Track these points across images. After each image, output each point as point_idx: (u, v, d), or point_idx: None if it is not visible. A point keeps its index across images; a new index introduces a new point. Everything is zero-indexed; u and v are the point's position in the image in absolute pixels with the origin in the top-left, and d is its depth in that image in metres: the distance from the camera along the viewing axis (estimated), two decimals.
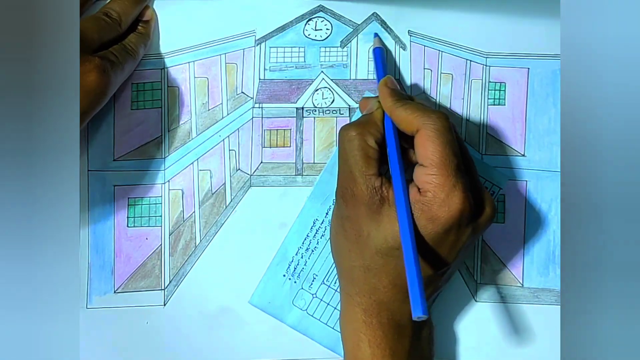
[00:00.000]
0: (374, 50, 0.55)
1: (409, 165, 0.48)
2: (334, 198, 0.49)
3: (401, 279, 0.46)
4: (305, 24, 0.56)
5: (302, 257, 0.55)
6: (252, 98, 0.56)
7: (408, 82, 0.56)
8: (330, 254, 0.54)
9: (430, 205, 0.44)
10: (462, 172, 0.45)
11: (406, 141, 0.48)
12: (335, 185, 0.53)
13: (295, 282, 0.54)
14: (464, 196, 0.44)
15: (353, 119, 0.54)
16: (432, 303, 0.53)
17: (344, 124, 0.49)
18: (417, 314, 0.40)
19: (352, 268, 0.47)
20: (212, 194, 0.56)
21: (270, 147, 0.56)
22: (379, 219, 0.45)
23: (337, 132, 0.56)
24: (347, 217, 0.47)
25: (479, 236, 0.49)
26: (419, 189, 0.45)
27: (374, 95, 0.54)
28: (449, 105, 0.56)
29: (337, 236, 0.49)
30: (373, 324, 0.46)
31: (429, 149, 0.44)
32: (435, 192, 0.44)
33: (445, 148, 0.44)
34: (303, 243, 0.55)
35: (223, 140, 0.56)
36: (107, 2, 0.53)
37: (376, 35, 0.56)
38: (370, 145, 0.47)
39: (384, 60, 0.54)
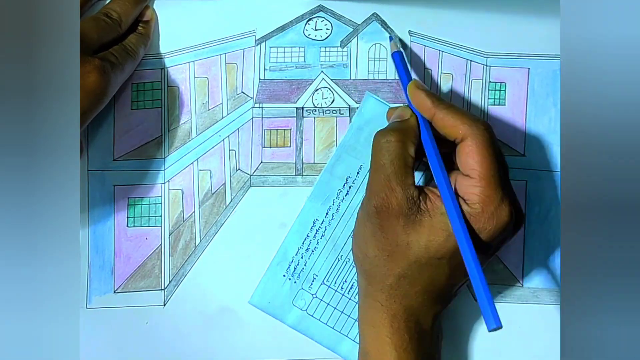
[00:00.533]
0: (393, 55, 0.54)
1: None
2: (337, 195, 0.49)
3: (433, 286, 0.46)
4: (306, 24, 0.56)
5: (302, 257, 0.54)
6: (252, 98, 0.56)
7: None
8: (330, 254, 0.54)
9: (479, 217, 0.44)
10: (508, 184, 0.46)
11: (441, 144, 0.48)
12: (336, 186, 0.53)
13: (295, 282, 0.54)
14: (511, 210, 0.45)
15: (355, 120, 0.54)
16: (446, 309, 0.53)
17: (380, 129, 0.48)
18: (492, 327, 0.40)
19: (385, 276, 0.47)
20: (212, 194, 0.56)
21: (270, 147, 0.56)
22: (420, 230, 0.45)
23: (338, 130, 0.56)
24: (381, 226, 0.46)
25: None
26: (464, 199, 0.45)
27: (375, 98, 0.54)
28: None
29: (367, 245, 0.48)
30: (400, 329, 0.46)
31: (477, 160, 0.44)
32: (484, 204, 0.44)
33: (493, 161, 0.44)
34: (303, 243, 0.55)
35: (223, 140, 0.56)
36: (107, 2, 0.53)
37: (391, 39, 0.56)
38: (410, 154, 0.47)
39: (405, 63, 0.53)
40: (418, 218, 0.45)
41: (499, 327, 0.40)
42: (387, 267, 0.47)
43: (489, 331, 0.40)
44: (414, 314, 0.47)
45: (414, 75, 0.56)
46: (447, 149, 0.48)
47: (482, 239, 0.45)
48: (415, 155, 0.47)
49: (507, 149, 0.56)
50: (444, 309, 0.49)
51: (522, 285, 0.56)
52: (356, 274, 0.53)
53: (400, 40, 0.56)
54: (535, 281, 0.56)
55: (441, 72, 0.56)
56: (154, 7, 0.55)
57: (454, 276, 0.46)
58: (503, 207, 0.44)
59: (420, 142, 0.48)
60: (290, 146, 0.56)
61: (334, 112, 0.56)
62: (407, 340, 0.46)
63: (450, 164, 0.48)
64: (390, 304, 0.47)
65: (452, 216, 0.44)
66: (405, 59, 0.54)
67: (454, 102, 0.56)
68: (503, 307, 0.56)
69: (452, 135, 0.46)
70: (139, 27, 0.54)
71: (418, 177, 0.54)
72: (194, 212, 0.56)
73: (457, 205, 0.44)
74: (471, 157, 0.45)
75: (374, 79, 0.56)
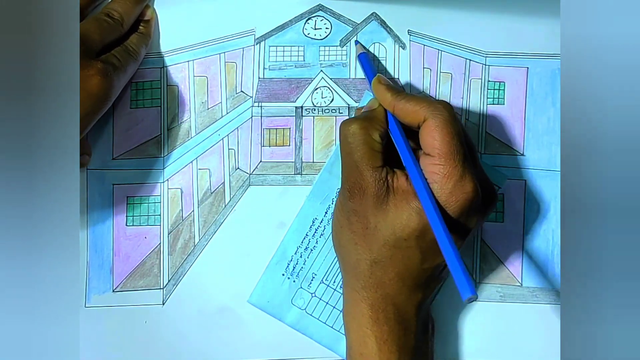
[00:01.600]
0: (359, 56, 0.55)
1: None
2: (336, 194, 0.49)
3: (408, 271, 0.46)
4: (305, 23, 0.56)
5: (301, 257, 0.55)
6: (252, 97, 0.56)
7: (407, 81, 0.56)
8: (329, 253, 0.54)
9: (440, 195, 0.44)
10: (470, 162, 0.45)
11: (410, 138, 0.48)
12: (335, 185, 0.53)
13: (294, 281, 0.54)
14: (473, 185, 0.44)
15: None
16: (435, 296, 0.53)
17: (345, 119, 0.49)
18: (467, 295, 0.39)
19: (358, 262, 0.47)
20: (211, 192, 0.56)
21: (270, 146, 0.56)
22: (386, 209, 0.45)
23: (337, 130, 0.56)
24: (354, 210, 0.47)
25: (482, 223, 0.49)
26: (426, 178, 0.45)
27: (373, 96, 0.54)
28: None
29: (342, 230, 0.48)
30: (379, 320, 0.46)
31: (436, 138, 0.44)
32: (442, 182, 0.44)
33: (453, 138, 0.44)
34: (302, 242, 0.55)
35: (222, 139, 0.56)
36: (108, 2, 0.53)
37: (357, 42, 0.56)
38: (375, 139, 0.47)
39: (371, 63, 0.54)
40: (385, 199, 0.46)
41: (474, 296, 0.39)
42: (359, 252, 0.47)
43: (464, 301, 0.39)
44: (393, 303, 0.46)
45: (413, 75, 0.56)
46: (416, 144, 0.48)
47: (447, 216, 0.44)
48: (383, 140, 0.47)
49: (506, 148, 0.56)
50: (427, 297, 0.49)
51: (521, 284, 0.56)
52: None
53: (400, 39, 0.56)
54: (534, 281, 0.56)
55: (440, 72, 0.56)
56: (154, 6, 0.55)
57: (426, 259, 0.46)
58: (464, 182, 0.44)
59: (387, 130, 0.48)
60: (289, 145, 0.56)
61: (333, 111, 0.56)
62: (386, 331, 0.46)
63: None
64: (368, 293, 0.47)
65: (418, 187, 0.44)
66: (371, 61, 0.54)
67: (454, 102, 0.56)
68: (502, 307, 0.56)
69: (415, 121, 0.46)
70: (140, 27, 0.54)
71: None
72: (193, 211, 0.56)
73: (421, 175, 0.45)
74: (431, 135, 0.45)
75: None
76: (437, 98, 0.56)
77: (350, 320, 0.48)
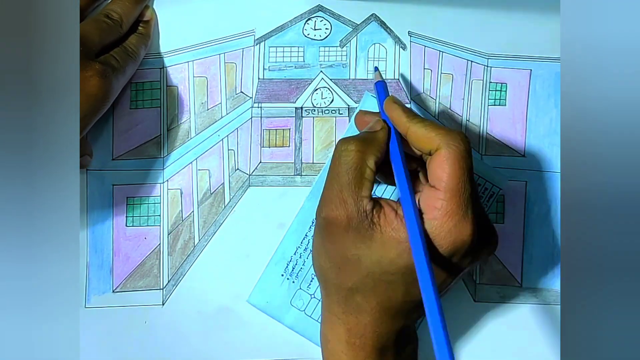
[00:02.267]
0: (376, 84, 0.52)
1: None
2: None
3: (389, 302, 0.44)
4: (305, 24, 0.56)
5: (300, 257, 0.54)
6: (251, 98, 0.56)
7: (408, 82, 0.56)
8: None
9: (436, 232, 0.42)
10: (474, 202, 0.43)
11: (410, 164, 0.47)
12: None
13: (293, 282, 0.54)
14: (472, 230, 0.42)
15: (349, 128, 0.54)
16: (420, 319, 0.52)
17: (344, 137, 0.46)
18: None
19: (338, 287, 0.45)
20: (211, 193, 0.56)
21: (269, 147, 0.56)
22: (370, 244, 0.43)
23: (337, 130, 0.56)
24: (331, 240, 0.44)
25: (478, 264, 0.46)
26: (425, 212, 0.43)
27: (373, 97, 0.54)
28: (449, 106, 0.56)
29: (319, 255, 0.46)
30: (356, 345, 0.44)
31: (446, 171, 0.42)
32: (443, 220, 0.41)
33: (463, 174, 0.42)
34: (301, 243, 0.54)
35: (222, 139, 0.56)
36: (107, 3, 0.53)
37: (376, 69, 0.55)
38: (369, 165, 0.44)
39: (386, 93, 0.51)
40: (369, 233, 0.43)
41: None
42: (339, 280, 0.45)
43: None
44: (372, 330, 0.44)
45: (414, 76, 0.56)
46: (415, 166, 0.47)
47: (439, 255, 0.42)
48: (377, 169, 0.44)
49: (507, 150, 0.56)
50: (408, 325, 0.47)
51: (521, 285, 0.56)
52: None
53: (401, 40, 0.56)
54: (534, 281, 0.56)
55: (441, 73, 0.56)
56: (154, 6, 0.55)
57: (409, 293, 0.43)
58: (464, 224, 0.42)
59: (384, 157, 0.46)
60: (289, 146, 0.56)
61: (333, 112, 0.56)
62: (362, 357, 0.44)
63: (415, 183, 0.47)
64: (347, 318, 0.45)
65: (411, 229, 0.41)
66: (387, 89, 0.51)
67: (454, 103, 0.56)
68: (502, 308, 0.56)
69: (427, 148, 0.44)
70: (139, 27, 0.54)
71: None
72: (193, 211, 0.56)
73: (418, 218, 0.42)
74: (441, 167, 0.42)
75: (372, 79, 0.56)
76: (438, 100, 0.56)
77: (327, 343, 0.46)
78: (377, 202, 0.44)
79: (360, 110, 0.51)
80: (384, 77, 0.56)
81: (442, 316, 0.37)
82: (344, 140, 0.45)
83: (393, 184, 0.47)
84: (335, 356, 0.45)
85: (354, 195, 0.43)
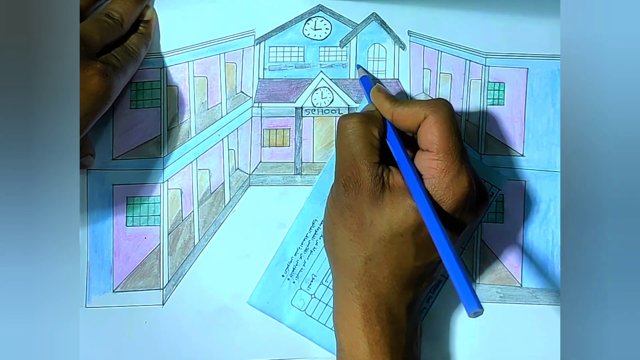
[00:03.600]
0: (361, 79, 0.54)
1: None
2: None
3: (401, 269, 0.46)
4: (305, 24, 0.56)
5: (300, 258, 0.55)
6: (252, 97, 0.56)
7: (407, 82, 0.56)
8: None
9: (436, 189, 0.44)
10: (466, 158, 0.46)
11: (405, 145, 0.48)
12: None
13: (293, 282, 0.54)
14: (469, 181, 0.45)
15: None
16: (427, 292, 0.52)
17: (344, 114, 0.49)
18: (474, 309, 0.37)
19: (352, 259, 0.47)
20: (211, 193, 0.56)
21: (270, 147, 0.56)
22: (382, 205, 0.45)
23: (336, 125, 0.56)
24: (349, 205, 0.46)
25: (478, 221, 0.49)
26: (422, 174, 0.45)
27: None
28: None
29: (334, 226, 0.48)
30: (372, 320, 0.46)
31: (435, 134, 0.45)
32: (440, 177, 0.44)
33: (452, 133, 0.45)
34: (302, 244, 0.55)
35: (222, 139, 0.56)
36: (108, 3, 0.53)
37: (358, 66, 0.56)
38: (374, 135, 0.47)
39: (372, 84, 0.53)
40: (381, 195, 0.45)
41: (480, 309, 0.37)
42: (353, 249, 0.47)
43: (469, 316, 0.37)
44: (385, 302, 0.46)
45: (413, 75, 0.56)
46: (411, 151, 0.49)
47: (443, 211, 0.45)
48: (380, 139, 0.47)
49: (506, 149, 0.56)
50: (418, 297, 0.48)
51: (521, 285, 0.56)
52: None
53: (400, 40, 0.56)
54: (534, 281, 0.56)
55: (440, 72, 0.56)
56: (154, 6, 0.55)
57: (419, 255, 0.46)
58: (461, 177, 0.44)
59: (385, 130, 0.48)
60: (289, 146, 0.56)
61: (333, 111, 0.56)
62: (378, 332, 0.46)
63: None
64: (361, 292, 0.46)
65: (414, 189, 0.44)
66: (372, 82, 0.53)
67: (454, 102, 0.55)
68: (502, 308, 0.56)
69: (415, 122, 0.46)
70: (140, 27, 0.54)
71: None
72: (193, 211, 0.56)
73: (417, 176, 0.45)
74: (430, 131, 0.45)
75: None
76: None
77: (341, 320, 0.48)
78: (386, 166, 0.47)
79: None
80: (384, 76, 0.56)
81: (457, 257, 0.40)
82: (345, 117, 0.48)
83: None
84: (351, 333, 0.47)
85: (366, 161, 0.46)
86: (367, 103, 0.54)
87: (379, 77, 0.56)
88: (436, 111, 0.45)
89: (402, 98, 0.51)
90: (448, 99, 0.56)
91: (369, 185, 0.45)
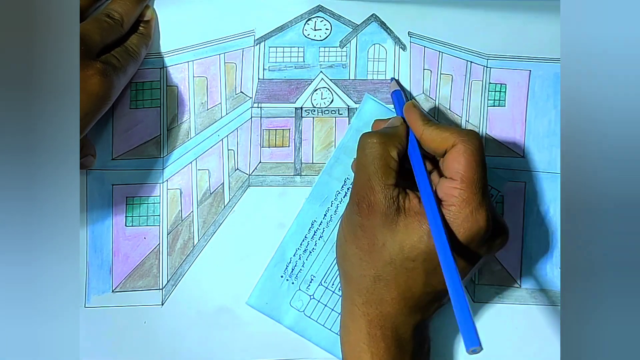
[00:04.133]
0: (392, 94, 0.54)
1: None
2: (335, 196, 0.51)
3: (410, 292, 0.46)
4: (305, 24, 0.56)
5: (299, 259, 0.55)
6: (251, 98, 0.56)
7: (408, 83, 0.56)
8: (328, 255, 0.54)
9: (454, 219, 0.44)
10: (488, 194, 0.46)
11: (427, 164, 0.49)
12: (334, 187, 0.53)
13: (292, 283, 0.54)
14: (487, 216, 0.45)
15: (353, 121, 0.55)
16: (431, 319, 0.52)
17: (366, 132, 0.49)
18: (473, 346, 0.37)
19: (361, 277, 0.47)
20: (211, 193, 0.56)
21: (269, 147, 0.56)
22: (395, 228, 0.45)
23: (336, 130, 0.56)
24: (361, 225, 0.46)
25: (490, 256, 0.49)
26: (442, 201, 0.45)
27: (374, 99, 0.54)
28: (448, 106, 0.56)
29: (347, 244, 0.48)
30: (377, 336, 0.46)
31: (462, 163, 0.44)
32: (460, 206, 0.44)
33: (478, 166, 0.45)
34: (301, 244, 0.55)
35: (222, 139, 0.56)
36: (108, 3, 0.53)
37: (392, 79, 0.56)
38: (392, 156, 0.47)
39: (403, 102, 0.52)
40: (395, 218, 0.45)
41: (479, 347, 0.37)
42: (363, 268, 0.47)
43: (468, 352, 0.37)
44: (391, 322, 0.47)
45: (413, 76, 0.56)
46: (430, 167, 0.49)
47: (457, 241, 0.44)
48: (399, 160, 0.47)
49: (506, 150, 0.56)
50: (425, 319, 0.49)
51: (520, 286, 0.56)
52: None
53: (401, 41, 0.56)
54: (533, 282, 0.56)
55: (441, 73, 0.56)
56: (154, 6, 0.55)
57: (429, 283, 0.46)
58: (480, 211, 0.44)
59: (406, 149, 0.48)
60: (289, 146, 0.56)
61: (332, 112, 0.56)
62: (383, 348, 0.46)
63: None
64: (367, 309, 0.47)
65: (431, 212, 0.44)
66: (403, 98, 0.53)
67: (454, 103, 0.56)
68: (501, 308, 0.56)
69: (442, 147, 0.46)
70: (140, 27, 0.54)
71: None
72: (192, 211, 0.56)
73: (436, 200, 0.44)
74: (457, 160, 0.45)
75: (372, 80, 0.56)
76: (437, 100, 0.56)
77: (347, 334, 0.48)
78: (402, 190, 0.47)
79: (375, 120, 0.53)
80: (385, 77, 0.56)
81: (463, 291, 0.39)
82: (367, 134, 0.48)
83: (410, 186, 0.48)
84: (355, 347, 0.47)
85: (380, 183, 0.46)
86: (369, 102, 0.54)
87: (378, 78, 0.56)
88: (467, 141, 0.45)
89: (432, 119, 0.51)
90: (449, 100, 0.56)
91: (382, 207, 0.45)
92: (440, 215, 0.44)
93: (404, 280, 0.46)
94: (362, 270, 0.47)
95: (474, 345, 0.37)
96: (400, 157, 0.47)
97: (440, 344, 0.55)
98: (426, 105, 0.56)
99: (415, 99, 0.56)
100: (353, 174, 0.53)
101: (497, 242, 0.47)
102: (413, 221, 0.45)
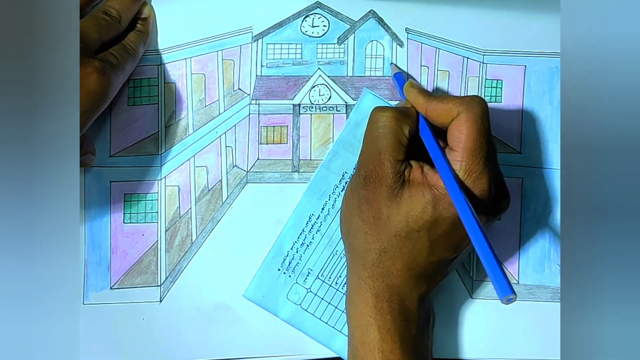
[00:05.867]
0: (395, 76, 0.55)
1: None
2: (333, 190, 0.51)
3: (415, 263, 0.46)
4: (303, 21, 0.56)
5: (297, 252, 0.55)
6: (249, 94, 0.56)
7: (405, 79, 0.56)
8: (325, 249, 0.54)
9: None
10: (491, 161, 0.46)
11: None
12: (332, 181, 0.53)
13: (289, 276, 0.55)
14: (488, 185, 0.45)
15: (352, 115, 0.55)
16: (436, 290, 0.53)
17: (379, 105, 0.49)
18: (506, 294, 0.37)
19: (367, 251, 0.47)
20: (209, 190, 0.56)
21: (267, 144, 0.56)
22: (400, 201, 0.46)
23: (334, 127, 0.56)
24: (367, 198, 0.47)
25: (493, 221, 0.49)
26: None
27: (373, 94, 0.54)
28: None
29: (351, 218, 0.49)
30: (383, 309, 0.47)
31: (464, 132, 0.45)
32: (463, 177, 0.45)
33: (480, 135, 0.45)
34: (298, 238, 0.55)
35: (220, 136, 0.56)
36: (106, 0, 0.53)
37: (392, 64, 0.56)
38: (404, 132, 0.47)
39: (405, 80, 0.53)
40: (400, 191, 0.46)
41: (514, 295, 0.37)
42: (368, 241, 0.47)
43: (502, 302, 0.37)
44: (398, 293, 0.47)
45: (411, 72, 0.56)
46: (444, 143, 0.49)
47: (456, 213, 0.44)
48: (410, 137, 0.47)
49: (503, 146, 0.56)
50: (430, 289, 0.49)
51: (518, 282, 0.56)
52: None
53: (398, 37, 0.56)
54: (531, 278, 0.56)
55: (438, 69, 0.56)
56: (152, 4, 0.55)
57: (434, 251, 0.46)
58: (481, 181, 0.45)
59: (417, 129, 0.49)
60: (287, 143, 0.56)
61: (330, 108, 0.56)
62: (389, 321, 0.46)
63: None
64: (373, 282, 0.47)
65: (449, 182, 0.44)
66: (405, 79, 0.53)
67: None
68: (499, 304, 0.55)
69: (448, 118, 0.46)
70: (138, 25, 0.54)
71: None
72: (191, 208, 0.56)
73: (451, 169, 0.45)
74: (459, 129, 0.45)
75: (370, 76, 0.56)
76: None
77: (353, 308, 0.48)
78: (408, 163, 0.47)
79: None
80: (382, 74, 0.56)
81: (490, 244, 0.40)
82: (380, 108, 0.48)
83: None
84: (362, 320, 0.47)
85: (390, 158, 0.46)
86: (368, 97, 0.54)
87: (376, 75, 0.56)
88: (468, 109, 0.45)
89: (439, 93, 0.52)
90: None
91: (390, 181, 0.46)
92: (458, 180, 0.44)
93: (409, 251, 0.46)
94: (367, 244, 0.47)
95: (507, 293, 0.37)
96: (411, 134, 0.47)
97: (445, 318, 0.56)
98: None
99: (414, 78, 0.56)
100: (352, 168, 0.54)
101: (499, 210, 0.48)
102: (417, 192, 0.45)
